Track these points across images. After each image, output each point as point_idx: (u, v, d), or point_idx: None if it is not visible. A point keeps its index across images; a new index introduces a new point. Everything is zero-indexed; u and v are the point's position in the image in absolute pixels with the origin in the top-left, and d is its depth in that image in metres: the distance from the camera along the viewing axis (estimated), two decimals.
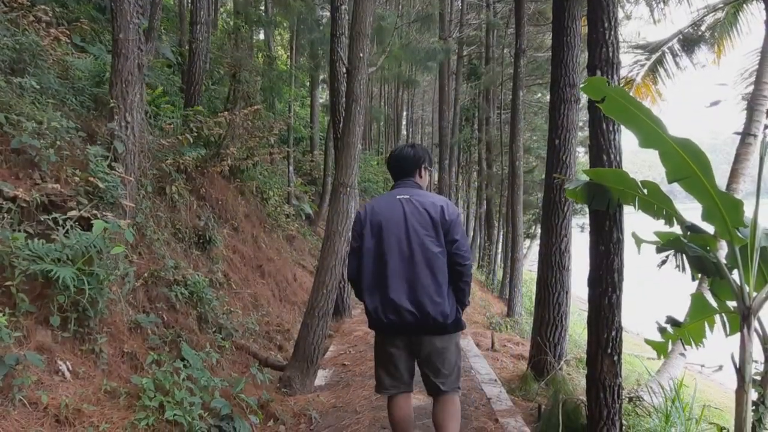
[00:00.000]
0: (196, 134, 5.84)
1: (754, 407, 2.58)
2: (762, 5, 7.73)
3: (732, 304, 2.83)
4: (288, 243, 9.13)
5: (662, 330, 3.22)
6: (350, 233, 3.09)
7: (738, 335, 2.61)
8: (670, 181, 2.68)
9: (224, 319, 4.77)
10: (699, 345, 3.19)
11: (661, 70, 10.14)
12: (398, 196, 2.60)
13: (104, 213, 3.40)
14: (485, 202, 18.76)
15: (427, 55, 12.31)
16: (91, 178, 3.48)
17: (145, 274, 4.03)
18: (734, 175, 6.68)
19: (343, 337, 6.40)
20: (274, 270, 7.20)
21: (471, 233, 23.46)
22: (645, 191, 2.88)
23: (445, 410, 2.53)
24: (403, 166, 2.71)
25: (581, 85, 2.87)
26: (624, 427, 3.41)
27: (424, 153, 2.77)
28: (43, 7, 4.77)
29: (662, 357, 3.39)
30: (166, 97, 6.75)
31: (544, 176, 5.62)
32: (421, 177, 2.73)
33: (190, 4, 8.71)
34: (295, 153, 12.85)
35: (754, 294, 2.60)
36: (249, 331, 5.20)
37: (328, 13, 10.23)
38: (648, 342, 3.35)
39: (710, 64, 9.81)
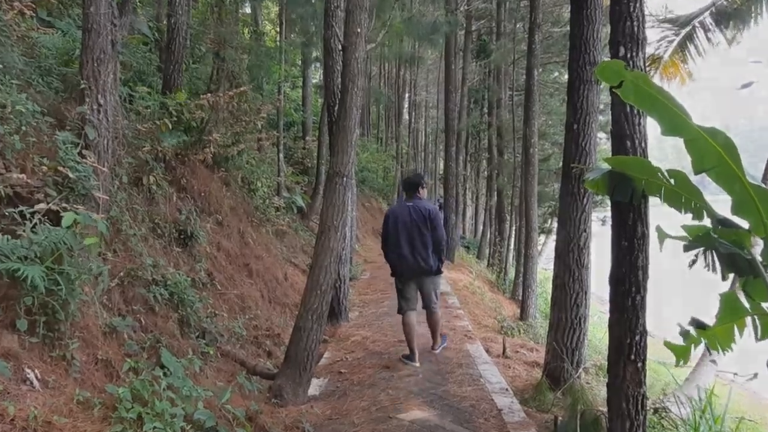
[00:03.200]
0: (175, 119, 5.83)
1: None
2: None
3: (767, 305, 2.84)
4: (278, 239, 9.15)
5: (685, 333, 3.23)
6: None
7: None
8: (696, 172, 2.67)
9: (208, 323, 4.78)
10: (726, 350, 3.20)
11: (691, 47, 10.10)
12: (407, 204, 5.45)
13: (75, 206, 3.40)
14: (496, 193, 18.76)
15: (432, 28, 12.26)
16: (61, 168, 3.48)
17: (121, 274, 4.04)
18: None
19: (340, 342, 6.43)
20: (263, 269, 7.22)
21: (480, 227, 23.48)
22: (672, 181, 2.89)
23: (432, 319, 5.57)
24: (411, 187, 5.57)
25: (597, 69, 2.86)
26: None
27: (421, 178, 5.85)
28: None
29: (682, 362, 3.39)
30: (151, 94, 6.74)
31: (561, 165, 5.62)
32: (419, 192, 5.52)
33: None
34: (285, 139, 12.85)
35: None
36: (235, 336, 5.22)
37: None
38: (668, 345, 3.36)
39: (735, 40, 9.77)
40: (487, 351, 6.25)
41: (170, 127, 5.56)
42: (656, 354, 5.96)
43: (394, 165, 26.08)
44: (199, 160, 6.38)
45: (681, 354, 3.31)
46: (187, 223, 5.55)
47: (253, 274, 6.88)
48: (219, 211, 6.75)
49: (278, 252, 8.62)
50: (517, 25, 17.56)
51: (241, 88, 7.02)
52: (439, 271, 5.44)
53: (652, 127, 3.08)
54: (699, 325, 3.15)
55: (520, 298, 11.05)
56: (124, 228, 4.36)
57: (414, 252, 5.26)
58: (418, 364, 5.30)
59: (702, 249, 2.99)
